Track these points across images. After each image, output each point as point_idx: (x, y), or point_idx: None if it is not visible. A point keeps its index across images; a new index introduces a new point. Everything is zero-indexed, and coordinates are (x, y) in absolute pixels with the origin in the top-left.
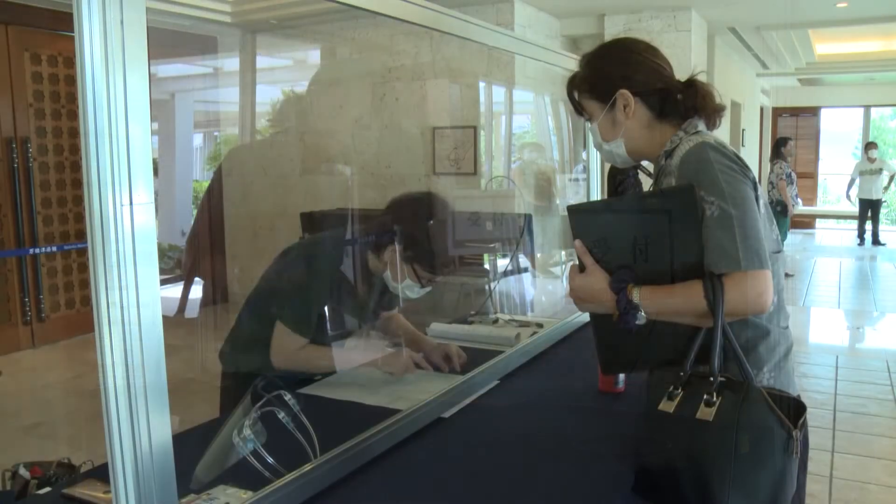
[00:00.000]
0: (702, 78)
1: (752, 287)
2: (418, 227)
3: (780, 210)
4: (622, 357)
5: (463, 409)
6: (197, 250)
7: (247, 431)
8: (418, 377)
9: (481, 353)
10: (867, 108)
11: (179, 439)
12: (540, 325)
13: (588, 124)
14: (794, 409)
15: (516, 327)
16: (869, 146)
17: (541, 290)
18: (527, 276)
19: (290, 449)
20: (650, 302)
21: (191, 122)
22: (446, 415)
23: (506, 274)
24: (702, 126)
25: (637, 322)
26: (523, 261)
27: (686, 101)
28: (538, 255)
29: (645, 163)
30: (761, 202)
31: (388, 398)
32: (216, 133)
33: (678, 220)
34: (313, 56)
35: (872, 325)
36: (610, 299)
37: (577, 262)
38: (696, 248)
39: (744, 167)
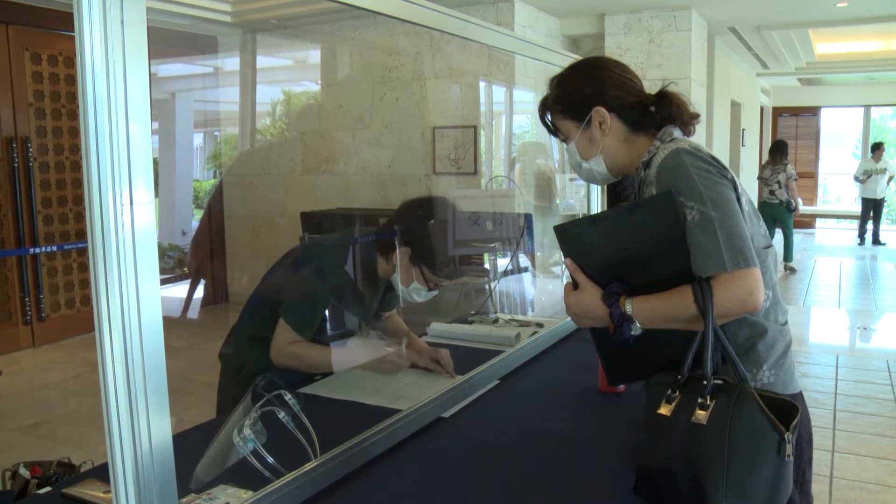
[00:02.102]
0: (672, 89)
1: (741, 287)
2: (428, 231)
3: (789, 209)
4: (627, 367)
5: (463, 409)
6: (203, 252)
7: (247, 431)
8: (419, 376)
9: (481, 353)
10: (867, 107)
11: (179, 439)
12: (540, 325)
13: (565, 145)
14: (787, 411)
15: (516, 327)
16: (877, 146)
17: (541, 290)
18: (527, 276)
19: (290, 449)
20: (642, 312)
21: (191, 121)
22: (446, 415)
23: (506, 274)
24: (677, 133)
25: (633, 333)
26: (524, 261)
27: (661, 112)
28: (538, 255)
29: None
30: (744, 199)
31: (388, 398)
32: (216, 133)
33: (661, 228)
34: (313, 56)
35: (873, 325)
36: (604, 313)
37: (571, 280)
38: (682, 254)
39: (721, 168)
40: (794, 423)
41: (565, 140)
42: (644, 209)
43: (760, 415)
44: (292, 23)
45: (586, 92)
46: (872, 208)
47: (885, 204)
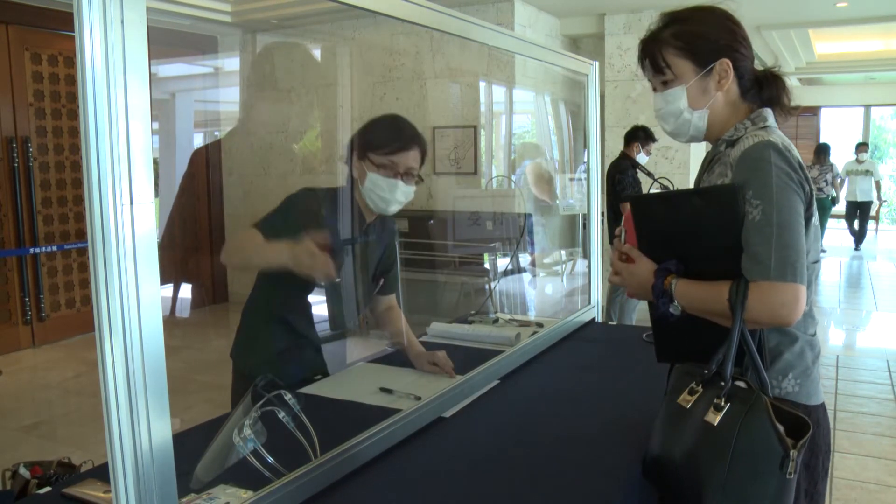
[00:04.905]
0: (780, 72)
1: (776, 298)
2: (368, 125)
3: (832, 203)
4: (676, 347)
5: (463, 409)
6: (178, 251)
7: (247, 431)
8: (419, 376)
9: (481, 353)
10: (867, 107)
11: (179, 439)
12: (540, 325)
13: (659, 89)
14: (801, 427)
15: (516, 327)
16: (860, 147)
17: (541, 290)
18: (527, 276)
19: (290, 449)
20: (682, 294)
21: (191, 121)
22: (446, 415)
23: (506, 274)
24: (771, 120)
25: (671, 311)
26: (524, 260)
27: (767, 90)
28: (538, 255)
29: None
30: (813, 220)
31: (388, 398)
32: (216, 133)
33: (718, 219)
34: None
35: (872, 325)
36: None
37: (617, 252)
38: (732, 250)
39: (803, 178)
40: (802, 440)
41: (669, 81)
42: (707, 197)
43: (769, 427)
44: (292, 23)
45: (719, 39)
46: (858, 210)
47: (885, 204)
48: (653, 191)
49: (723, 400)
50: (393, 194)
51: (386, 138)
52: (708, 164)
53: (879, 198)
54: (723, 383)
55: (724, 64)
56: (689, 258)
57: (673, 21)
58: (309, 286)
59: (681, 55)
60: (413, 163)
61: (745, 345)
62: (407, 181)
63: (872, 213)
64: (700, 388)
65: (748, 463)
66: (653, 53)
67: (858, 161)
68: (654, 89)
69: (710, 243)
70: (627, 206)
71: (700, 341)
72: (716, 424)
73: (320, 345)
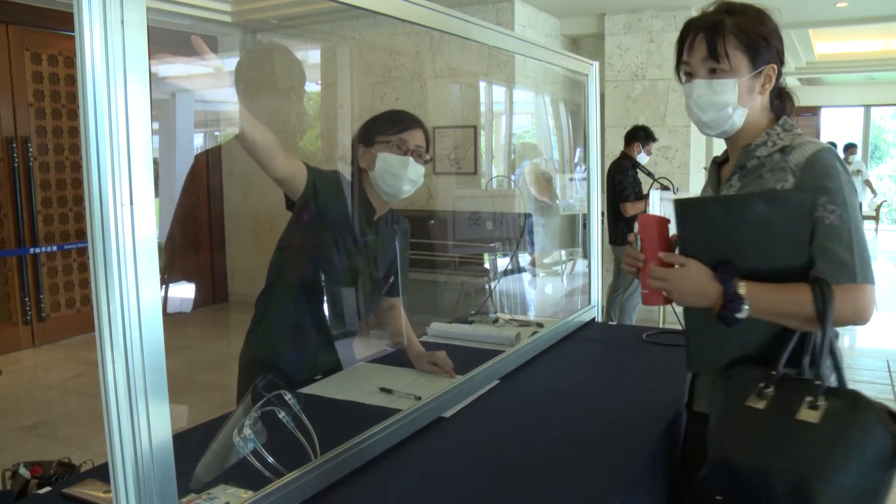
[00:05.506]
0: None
1: (860, 300)
2: (371, 118)
3: None
4: (713, 353)
5: (463, 409)
6: (178, 249)
7: (247, 431)
8: (419, 376)
9: (481, 353)
10: (867, 107)
11: (179, 439)
12: (540, 325)
13: (703, 78)
14: None
15: (516, 327)
16: (849, 148)
17: (541, 290)
18: (527, 276)
19: (290, 449)
20: (755, 297)
21: (191, 122)
22: (446, 415)
23: (506, 274)
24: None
25: (739, 315)
26: (524, 260)
27: (782, 105)
28: (538, 255)
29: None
30: None
31: (388, 398)
32: (216, 133)
33: (788, 224)
34: (313, 56)
35: (872, 325)
36: (714, 291)
37: (632, 260)
38: (801, 254)
39: (853, 182)
40: None
41: (720, 71)
42: (777, 202)
43: (880, 422)
44: (292, 23)
45: (773, 44)
46: None
47: (885, 203)
48: (653, 191)
49: (817, 399)
50: (405, 171)
51: (392, 121)
52: (740, 170)
53: (873, 193)
54: (818, 382)
55: (772, 69)
56: (739, 262)
57: (733, 12)
58: (320, 284)
59: (741, 49)
60: (420, 142)
61: (831, 345)
62: (416, 160)
63: (873, 212)
64: (771, 389)
65: (860, 458)
66: (714, 39)
67: (848, 162)
68: (688, 74)
69: (771, 247)
70: (641, 214)
71: (739, 346)
72: (818, 422)
73: (332, 342)
